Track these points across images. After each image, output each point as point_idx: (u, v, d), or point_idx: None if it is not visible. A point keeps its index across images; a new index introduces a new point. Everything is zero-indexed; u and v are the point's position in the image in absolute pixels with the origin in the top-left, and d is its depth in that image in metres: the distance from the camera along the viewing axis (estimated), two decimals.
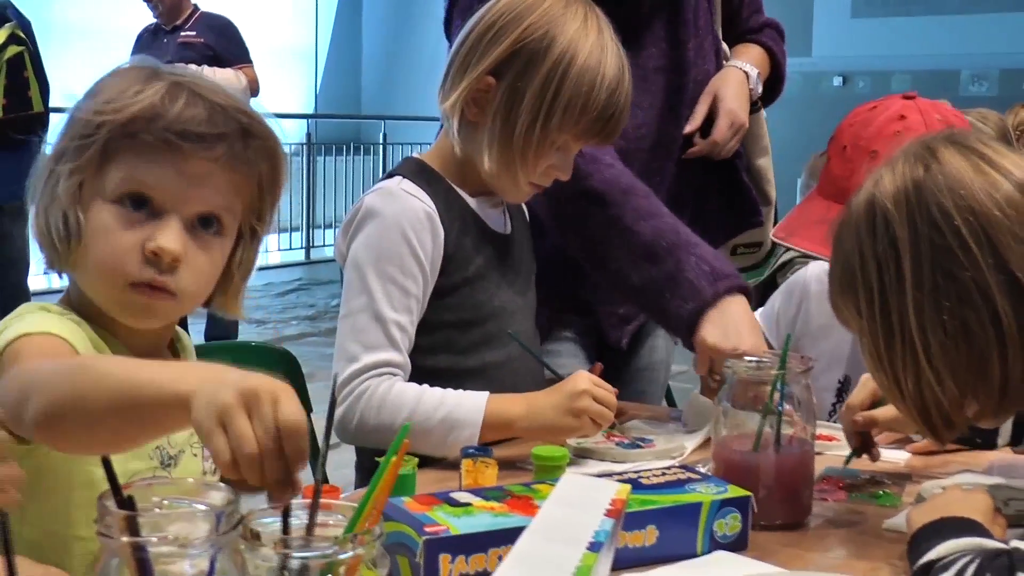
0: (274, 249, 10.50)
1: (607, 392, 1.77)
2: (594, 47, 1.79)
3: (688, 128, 2.28)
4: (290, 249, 11.10)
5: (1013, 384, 1.33)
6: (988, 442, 1.75)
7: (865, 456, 1.81)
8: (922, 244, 1.32)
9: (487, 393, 1.76)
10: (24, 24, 5.32)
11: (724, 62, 2.41)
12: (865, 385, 1.73)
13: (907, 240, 1.32)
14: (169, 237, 1.37)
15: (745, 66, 2.39)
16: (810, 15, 11.74)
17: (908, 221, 1.32)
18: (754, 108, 2.42)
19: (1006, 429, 1.73)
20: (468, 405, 1.74)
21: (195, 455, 1.52)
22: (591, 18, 1.82)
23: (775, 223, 2.47)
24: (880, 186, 1.36)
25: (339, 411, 1.69)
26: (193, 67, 6.30)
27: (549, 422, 1.76)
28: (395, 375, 1.76)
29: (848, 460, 1.77)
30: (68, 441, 1.19)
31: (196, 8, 6.76)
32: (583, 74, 1.77)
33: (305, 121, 11.51)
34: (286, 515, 0.93)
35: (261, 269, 9.06)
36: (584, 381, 1.76)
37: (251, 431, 0.93)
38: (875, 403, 1.72)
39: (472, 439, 1.71)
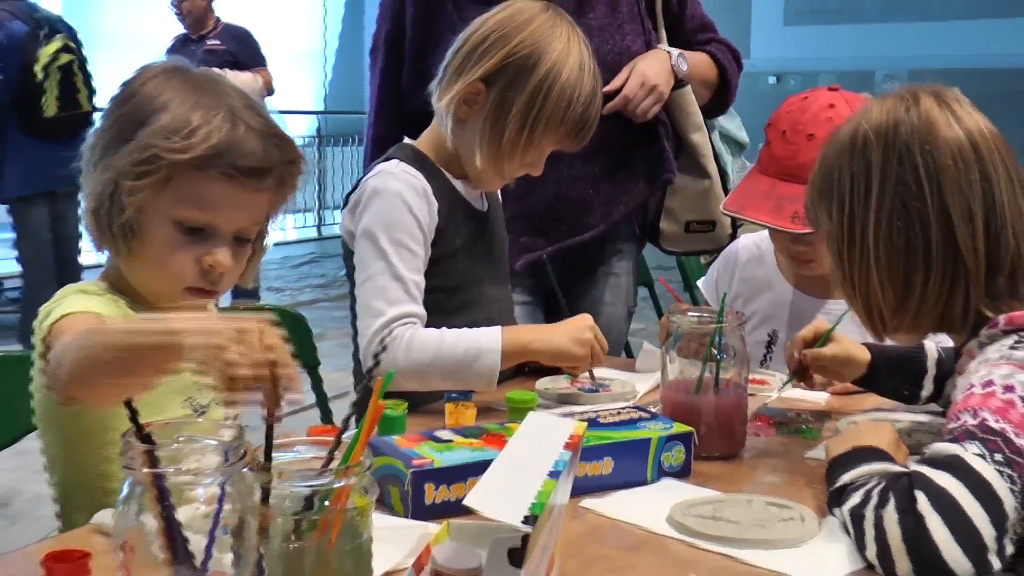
0: (290, 227, 10.56)
1: (601, 335, 1.80)
2: (574, 65, 1.78)
3: (606, 88, 2.17)
4: (304, 227, 11.21)
5: (927, 305, 1.35)
6: (913, 395, 1.76)
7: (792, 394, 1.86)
8: (889, 171, 1.35)
9: (500, 327, 1.77)
10: (73, 35, 5.32)
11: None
12: (811, 326, 1.78)
13: (878, 166, 1.36)
14: (223, 254, 1.41)
15: (669, 48, 2.38)
16: (748, 23, 11.79)
17: (883, 150, 1.36)
18: (680, 85, 2.38)
19: (928, 384, 1.74)
20: (486, 335, 1.75)
21: (219, 403, 1.52)
22: (573, 38, 1.81)
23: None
24: (867, 116, 1.40)
25: (372, 360, 1.67)
26: (216, 70, 6.33)
27: (558, 347, 1.77)
28: (416, 323, 1.76)
29: (786, 383, 1.82)
30: (93, 392, 1.20)
31: (219, 20, 6.78)
32: (565, 90, 1.77)
33: (316, 117, 11.54)
34: (269, 432, 0.94)
35: (279, 244, 9.08)
36: (590, 319, 1.81)
37: (242, 358, 0.94)
38: (815, 340, 1.75)
39: (495, 365, 1.73)
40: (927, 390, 1.74)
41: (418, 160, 1.86)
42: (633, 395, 1.86)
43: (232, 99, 1.42)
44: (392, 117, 2.36)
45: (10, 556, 1.21)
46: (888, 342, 1.58)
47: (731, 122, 2.61)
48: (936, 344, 1.75)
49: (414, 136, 1.99)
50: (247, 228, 1.45)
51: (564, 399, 1.82)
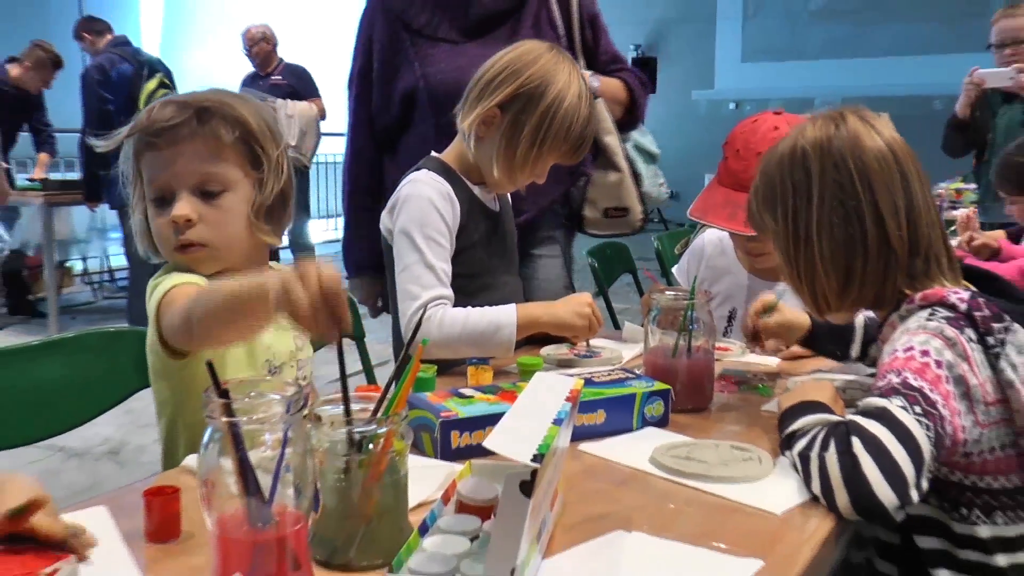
0: (342, 227, 10.43)
1: (598, 310, 1.80)
2: (575, 95, 1.77)
3: None
4: None
5: (865, 288, 1.35)
6: (844, 355, 1.75)
7: (750, 359, 1.86)
8: (827, 177, 1.34)
9: (514, 304, 1.76)
10: (168, 74, 5.33)
11: None
12: (760, 299, 1.76)
13: (817, 173, 1.35)
14: (179, 207, 1.35)
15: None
16: (713, 59, 11.83)
17: (819, 160, 1.35)
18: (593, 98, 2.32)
19: (856, 346, 1.73)
20: (503, 312, 1.74)
21: (291, 367, 1.50)
22: (573, 72, 1.79)
23: (640, 197, 2.47)
24: (803, 134, 1.38)
25: (411, 333, 1.67)
26: (279, 100, 6.33)
27: (562, 320, 1.76)
28: (446, 303, 1.75)
29: (745, 349, 1.80)
30: (211, 339, 1.21)
31: (281, 60, 6.82)
32: (567, 114, 1.76)
33: None
34: (341, 354, 0.96)
35: (331, 241, 9.03)
36: (588, 297, 1.79)
37: (304, 296, 0.95)
38: (764, 311, 1.74)
39: (511, 336, 1.72)
40: (855, 351, 1.73)
41: (442, 170, 1.84)
42: (619, 360, 1.84)
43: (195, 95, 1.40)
44: (365, 133, 2.34)
45: (120, 491, 1.21)
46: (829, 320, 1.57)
47: (644, 137, 2.60)
48: (863, 314, 1.73)
49: (385, 148, 2.25)
50: (201, 181, 1.35)
51: (564, 363, 1.80)
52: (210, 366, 0.82)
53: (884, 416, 1.13)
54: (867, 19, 10.88)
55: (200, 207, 1.36)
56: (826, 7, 11.31)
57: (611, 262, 3.17)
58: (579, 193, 2.46)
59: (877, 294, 1.36)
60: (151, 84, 5.11)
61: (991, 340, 1.23)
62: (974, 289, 1.32)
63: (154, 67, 5.27)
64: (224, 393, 0.79)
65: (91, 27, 5.49)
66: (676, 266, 2.41)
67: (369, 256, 2.28)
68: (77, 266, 7.33)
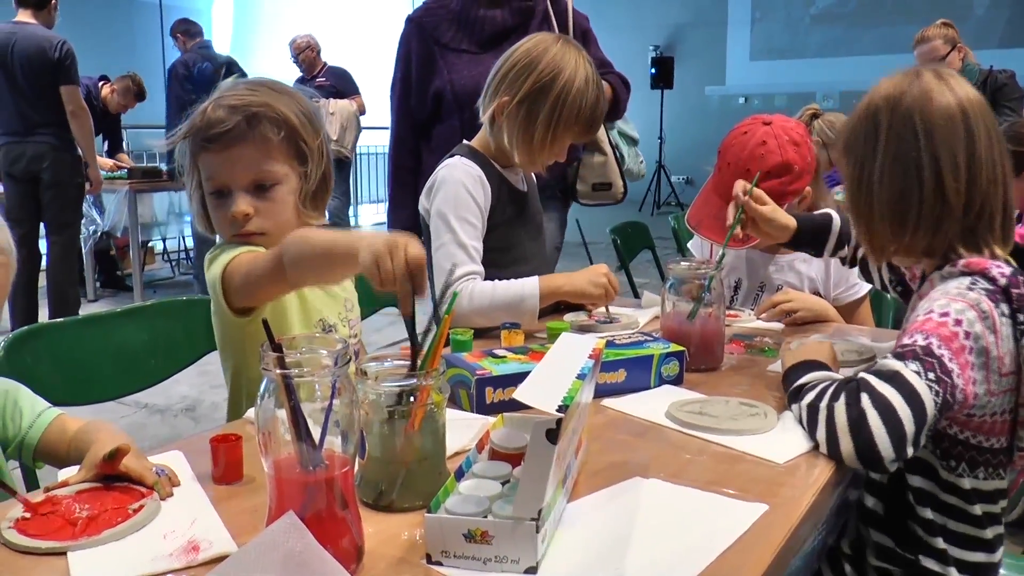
0: (383, 211, 10.47)
1: (615, 278, 1.78)
2: (582, 79, 1.74)
3: None
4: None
5: (918, 235, 1.27)
6: (818, 253, 1.70)
7: (757, 324, 1.78)
8: (892, 130, 1.27)
9: (536, 276, 1.74)
10: (243, 74, 5.37)
11: None
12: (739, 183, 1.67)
13: (884, 125, 1.27)
14: (237, 204, 1.35)
15: None
16: (724, 58, 11.70)
17: (888, 113, 1.27)
18: None
19: (830, 245, 1.68)
20: (528, 283, 1.72)
21: (343, 326, 1.50)
22: (580, 60, 1.75)
23: (622, 174, 2.66)
24: (878, 89, 1.31)
25: (445, 307, 1.65)
26: (322, 100, 6.37)
27: (581, 288, 1.74)
28: (476, 278, 1.73)
29: (732, 229, 1.63)
30: (295, 276, 1.21)
31: (325, 64, 6.85)
32: (576, 99, 1.73)
33: None
34: (412, 322, 0.97)
35: (380, 224, 9.06)
36: (605, 268, 1.78)
37: (391, 267, 0.97)
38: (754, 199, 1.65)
39: (535, 305, 1.71)
40: (829, 250, 1.68)
41: (473, 155, 1.82)
42: (636, 325, 1.81)
43: (233, 92, 1.39)
44: (406, 125, 2.51)
45: (191, 439, 1.21)
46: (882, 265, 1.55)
47: (626, 124, 2.76)
48: (837, 216, 1.69)
49: (422, 136, 2.46)
50: (254, 179, 1.35)
51: (588, 328, 1.77)
52: (265, 324, 0.81)
53: (896, 379, 1.09)
54: (860, 22, 10.87)
55: (255, 201, 1.36)
56: (825, 11, 11.25)
57: (632, 240, 3.15)
58: (572, 172, 2.66)
59: (929, 244, 1.28)
60: (227, 82, 5.15)
61: (1022, 317, 1.17)
62: (1015, 266, 1.25)
63: (231, 67, 5.33)
64: (278, 348, 0.78)
65: (186, 29, 5.60)
66: (691, 241, 2.38)
67: (411, 226, 2.35)
68: (158, 246, 7.40)
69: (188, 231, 6.71)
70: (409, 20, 2.49)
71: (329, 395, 0.78)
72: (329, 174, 1.44)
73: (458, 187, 1.76)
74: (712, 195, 1.97)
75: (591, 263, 1.87)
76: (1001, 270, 1.20)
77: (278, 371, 0.77)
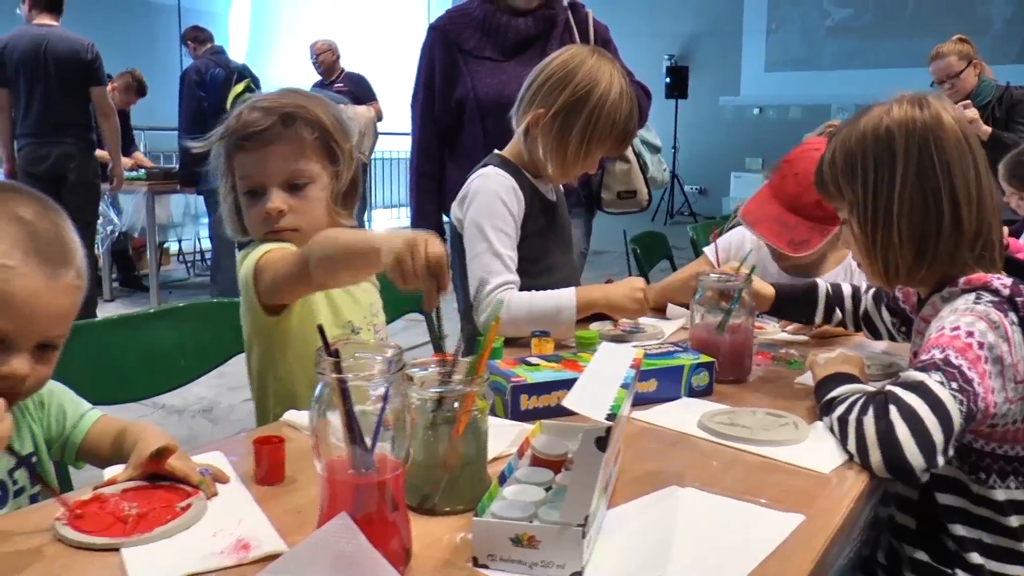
0: (402, 216, 10.46)
1: (649, 292, 1.79)
2: (616, 92, 1.75)
3: None
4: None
5: (936, 264, 1.28)
6: (809, 320, 1.76)
7: (783, 336, 1.82)
8: (910, 158, 1.26)
9: (573, 288, 1.75)
10: (255, 79, 5.40)
11: None
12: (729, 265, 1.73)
13: (902, 151, 1.27)
14: (272, 201, 1.38)
15: None
16: (739, 69, 11.70)
17: (906, 139, 1.27)
18: None
19: (820, 313, 1.73)
20: (564, 295, 1.73)
21: (368, 329, 1.52)
22: (614, 73, 1.76)
23: (646, 181, 2.67)
24: (890, 114, 1.30)
25: (483, 316, 1.69)
26: (342, 105, 6.40)
27: (619, 303, 1.74)
28: (512, 287, 1.74)
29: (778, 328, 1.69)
30: (320, 275, 1.23)
31: (343, 69, 6.90)
32: (610, 113, 1.74)
33: None
34: (438, 317, 1.02)
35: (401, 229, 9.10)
36: (641, 282, 1.77)
37: (412, 264, 0.99)
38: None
39: (572, 317, 1.71)
40: (819, 317, 1.72)
41: (506, 165, 1.83)
42: (661, 336, 1.82)
43: (266, 96, 1.43)
44: (429, 132, 2.51)
45: (228, 440, 1.22)
46: (897, 291, 1.57)
47: (648, 133, 2.75)
48: (825, 282, 1.74)
49: (444, 143, 2.48)
50: (288, 177, 1.39)
51: (616, 338, 1.78)
52: (321, 329, 0.83)
53: (921, 388, 1.11)
54: (876, 34, 10.84)
55: (288, 199, 1.39)
56: (841, 23, 11.23)
57: (650, 249, 3.17)
58: (596, 180, 2.66)
59: (944, 272, 1.29)
60: (238, 88, 5.20)
61: None
62: (1013, 277, 1.27)
63: (242, 73, 5.36)
64: (334, 353, 0.80)
65: (196, 35, 5.64)
66: (707, 247, 2.38)
67: (434, 230, 2.41)
68: (173, 247, 7.45)
69: (204, 233, 6.75)
70: (433, 28, 2.51)
71: (382, 399, 0.80)
72: (358, 177, 1.47)
73: (493, 197, 1.77)
74: (771, 198, 1.99)
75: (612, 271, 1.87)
76: (1002, 281, 1.23)
77: (334, 375, 0.79)
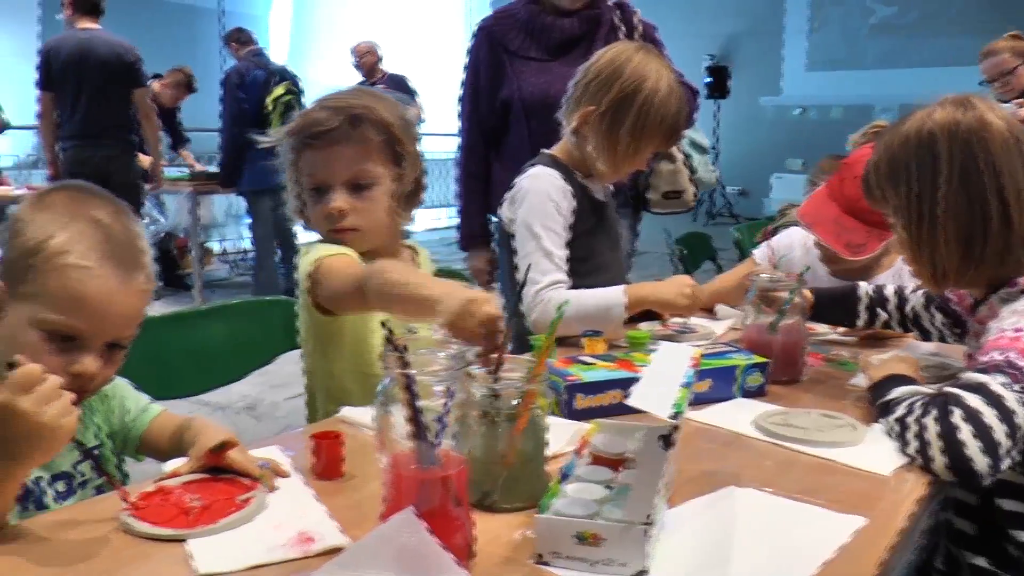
0: (443, 217, 10.51)
1: (700, 290, 1.78)
2: (665, 88, 1.74)
3: None
4: (452, 216, 11.13)
5: (984, 265, 1.27)
6: (851, 323, 1.74)
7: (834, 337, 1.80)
8: (954, 161, 1.25)
9: (622, 286, 1.74)
10: (296, 81, 5.44)
11: None
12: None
13: (945, 154, 1.25)
14: (334, 201, 1.40)
15: None
16: (780, 69, 11.59)
17: (949, 141, 1.26)
18: None
19: (863, 316, 1.71)
20: (614, 293, 1.72)
21: (425, 327, 1.52)
22: (662, 69, 1.76)
23: (693, 181, 2.69)
24: (932, 116, 1.29)
25: (533, 315, 1.69)
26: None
27: (669, 299, 1.73)
28: (562, 287, 1.73)
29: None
30: (375, 307, 1.25)
31: (384, 71, 6.93)
32: (659, 109, 1.73)
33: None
34: (498, 366, 0.96)
35: (435, 229, 9.12)
36: (690, 279, 1.75)
37: (468, 325, 0.97)
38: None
39: (621, 314, 1.70)
40: (862, 320, 1.70)
41: (555, 164, 1.83)
42: (712, 336, 1.81)
43: (335, 95, 1.44)
44: (476, 133, 2.52)
45: (285, 436, 1.24)
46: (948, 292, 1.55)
47: (696, 133, 2.77)
48: (867, 284, 1.72)
49: (490, 144, 2.48)
50: (352, 177, 1.40)
51: (667, 338, 1.77)
52: (386, 325, 0.83)
53: (983, 390, 1.09)
54: (921, 32, 10.66)
55: (351, 199, 1.40)
56: (884, 22, 11.06)
57: (695, 250, 3.16)
58: (643, 179, 2.67)
59: (994, 273, 1.28)
60: (278, 90, 5.24)
61: None
62: None
63: (283, 75, 5.41)
64: (401, 348, 0.80)
65: (238, 37, 5.71)
66: (756, 250, 2.36)
67: (480, 231, 2.51)
68: (216, 247, 7.55)
69: (246, 233, 6.83)
70: (479, 28, 2.52)
71: (447, 394, 0.81)
72: (423, 179, 1.48)
73: (543, 197, 1.77)
74: (829, 200, 1.97)
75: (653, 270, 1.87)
76: None
77: (400, 371, 0.79)
